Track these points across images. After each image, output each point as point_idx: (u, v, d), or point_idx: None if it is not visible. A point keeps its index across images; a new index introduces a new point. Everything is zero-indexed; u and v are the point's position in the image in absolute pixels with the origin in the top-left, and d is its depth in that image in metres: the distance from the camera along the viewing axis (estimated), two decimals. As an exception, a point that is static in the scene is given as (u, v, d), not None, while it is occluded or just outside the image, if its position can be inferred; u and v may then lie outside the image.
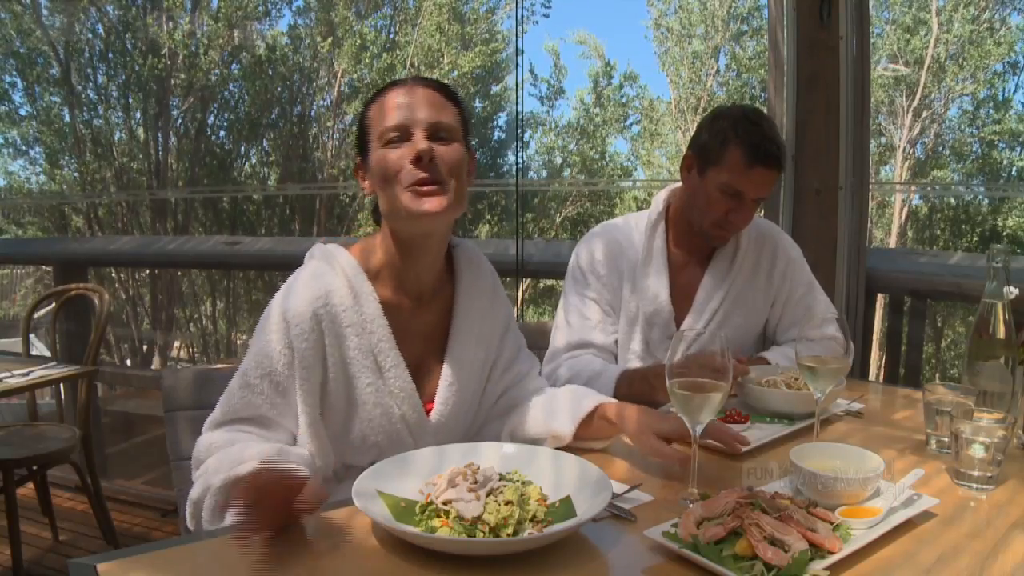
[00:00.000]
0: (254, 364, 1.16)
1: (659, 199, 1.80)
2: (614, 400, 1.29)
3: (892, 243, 13.01)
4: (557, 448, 1.19)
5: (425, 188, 1.14)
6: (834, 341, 1.25)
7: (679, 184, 1.77)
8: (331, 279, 1.19)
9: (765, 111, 2.93)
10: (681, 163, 1.72)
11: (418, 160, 1.13)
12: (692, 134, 1.73)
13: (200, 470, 1.10)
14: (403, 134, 1.16)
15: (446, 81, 1.36)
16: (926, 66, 12.79)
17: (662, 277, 1.72)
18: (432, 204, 1.14)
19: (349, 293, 1.18)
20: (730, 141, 1.60)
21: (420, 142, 1.14)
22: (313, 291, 1.17)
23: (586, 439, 1.27)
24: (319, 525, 0.98)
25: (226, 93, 13.31)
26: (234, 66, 13.05)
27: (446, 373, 1.26)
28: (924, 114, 13.17)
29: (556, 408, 1.29)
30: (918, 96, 12.94)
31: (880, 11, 12.61)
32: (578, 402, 1.28)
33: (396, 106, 1.17)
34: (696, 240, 1.74)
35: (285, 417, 1.16)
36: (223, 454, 1.08)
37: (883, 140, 13.27)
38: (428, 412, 1.24)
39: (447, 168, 1.16)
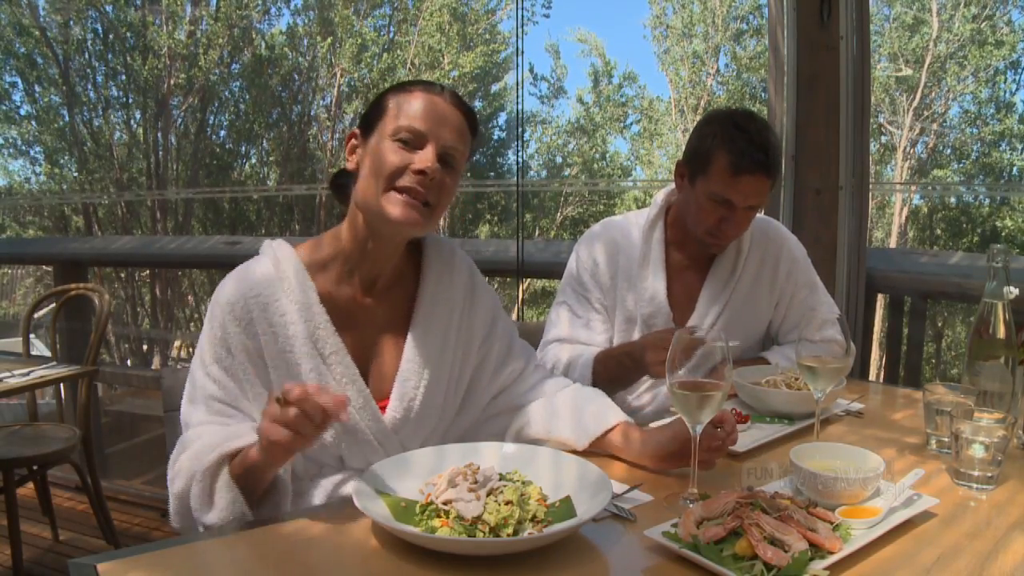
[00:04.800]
0: (207, 349, 1.18)
1: (658, 199, 1.76)
2: (622, 420, 1.25)
3: (892, 243, 13.01)
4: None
5: (410, 200, 1.13)
6: (834, 343, 1.25)
7: None
8: (266, 270, 1.19)
9: (765, 112, 2.93)
10: (674, 170, 1.68)
11: (420, 173, 1.13)
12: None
13: (175, 469, 1.09)
14: (417, 141, 1.14)
15: (460, 91, 1.30)
16: (926, 65, 12.78)
17: (659, 278, 1.69)
18: (409, 216, 1.13)
19: (282, 283, 1.18)
20: (715, 149, 1.54)
21: (430, 158, 1.13)
22: (245, 281, 1.18)
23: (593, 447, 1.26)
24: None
25: (226, 93, 13.33)
26: (234, 66, 13.06)
27: (403, 371, 1.23)
28: (925, 114, 13.17)
29: (564, 418, 1.28)
30: (918, 95, 12.94)
31: (880, 8, 12.61)
32: (586, 419, 1.25)
33: (423, 110, 1.15)
34: (695, 244, 1.70)
35: (241, 402, 1.17)
36: (193, 451, 1.08)
37: (884, 139, 13.27)
38: (384, 409, 1.21)
39: (439, 193, 1.16)
